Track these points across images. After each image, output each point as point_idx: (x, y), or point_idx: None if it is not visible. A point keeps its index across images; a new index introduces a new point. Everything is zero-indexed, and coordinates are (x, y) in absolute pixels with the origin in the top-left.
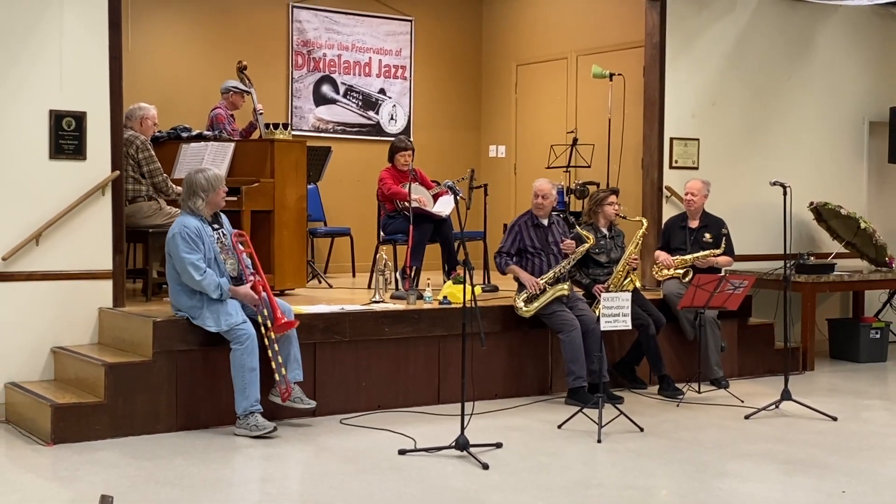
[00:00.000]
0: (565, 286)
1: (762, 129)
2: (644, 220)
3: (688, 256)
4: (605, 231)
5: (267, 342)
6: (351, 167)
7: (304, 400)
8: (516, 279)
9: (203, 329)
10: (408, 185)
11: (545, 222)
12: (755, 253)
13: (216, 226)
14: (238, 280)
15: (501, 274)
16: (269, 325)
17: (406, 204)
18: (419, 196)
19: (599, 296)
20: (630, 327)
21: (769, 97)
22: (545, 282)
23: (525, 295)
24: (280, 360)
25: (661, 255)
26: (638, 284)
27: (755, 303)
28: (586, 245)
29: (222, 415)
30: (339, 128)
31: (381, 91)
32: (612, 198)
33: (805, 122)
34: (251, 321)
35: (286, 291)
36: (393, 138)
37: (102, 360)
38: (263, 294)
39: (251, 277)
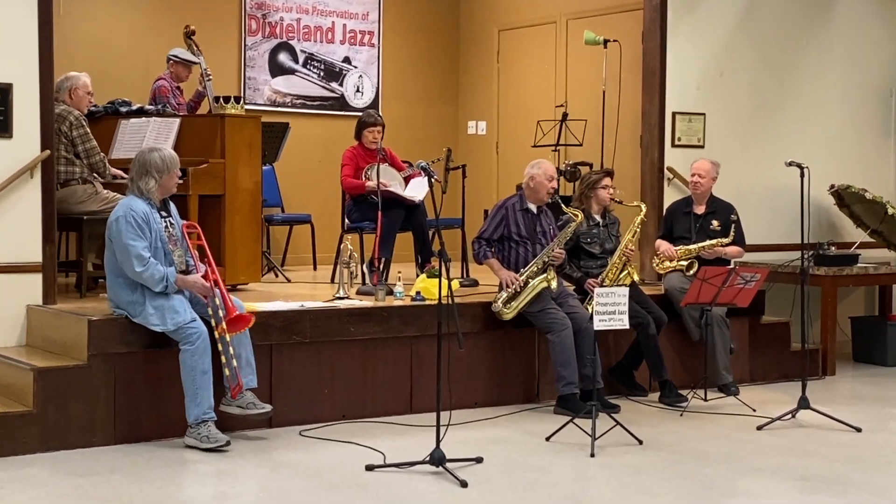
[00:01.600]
0: (548, 276)
1: (776, 102)
2: (643, 206)
3: (693, 246)
4: (598, 218)
5: (218, 336)
6: (312, 146)
7: (257, 405)
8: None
9: (146, 328)
10: (376, 166)
11: (534, 208)
12: (768, 242)
13: (164, 213)
14: (186, 274)
15: (478, 263)
16: (220, 319)
17: (374, 186)
18: (385, 181)
19: (592, 291)
20: (627, 327)
21: (784, 67)
22: (527, 275)
23: (505, 295)
24: (232, 351)
25: (663, 245)
26: (636, 278)
27: (769, 299)
28: (573, 224)
29: (168, 426)
30: (298, 101)
31: (346, 60)
32: (607, 180)
33: (824, 95)
34: (202, 320)
35: (239, 286)
36: (359, 113)
37: (31, 364)
38: (215, 286)
39: (201, 267)
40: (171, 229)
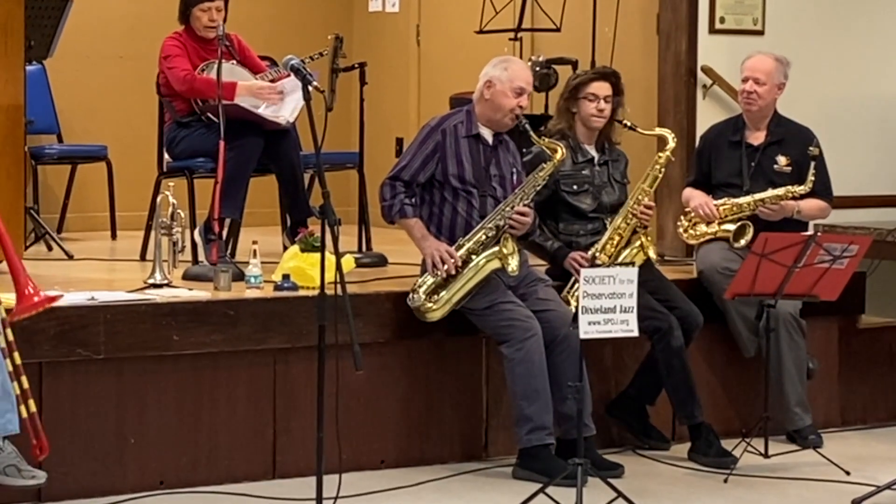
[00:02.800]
0: (503, 250)
1: None
2: (670, 135)
3: (745, 199)
4: (592, 152)
5: (4, 346)
6: (109, 32)
7: (22, 470)
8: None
9: None
10: (215, 66)
11: (489, 136)
12: (872, 193)
13: None
14: None
15: (388, 222)
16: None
17: (214, 102)
18: (236, 80)
19: (578, 274)
20: (636, 334)
21: None
22: (469, 248)
23: (431, 281)
24: (24, 382)
25: (696, 198)
26: (653, 254)
27: (872, 287)
28: (550, 164)
29: None
30: None
31: None
32: (597, 86)
33: None
34: None
35: None
36: None
37: None
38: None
39: None
40: None
